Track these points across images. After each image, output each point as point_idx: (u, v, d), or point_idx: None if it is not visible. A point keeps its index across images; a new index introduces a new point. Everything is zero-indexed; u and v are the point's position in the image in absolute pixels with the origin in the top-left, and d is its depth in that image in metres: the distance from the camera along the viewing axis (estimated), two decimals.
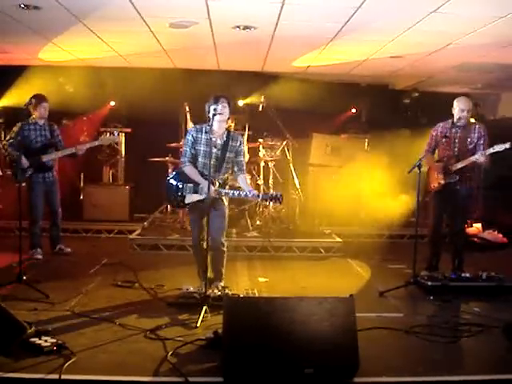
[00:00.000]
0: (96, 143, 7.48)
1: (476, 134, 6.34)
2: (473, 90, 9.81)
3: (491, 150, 6.05)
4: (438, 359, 4.10)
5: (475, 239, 8.81)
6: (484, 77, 8.88)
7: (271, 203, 5.37)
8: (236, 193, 5.43)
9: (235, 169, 5.55)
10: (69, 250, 7.53)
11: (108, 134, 10.12)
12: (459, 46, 6.81)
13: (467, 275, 6.08)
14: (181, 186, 5.49)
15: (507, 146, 5.91)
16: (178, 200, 5.54)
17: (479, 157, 6.09)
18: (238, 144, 5.49)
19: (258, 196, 5.40)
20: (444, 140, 6.39)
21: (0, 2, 5.61)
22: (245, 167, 5.60)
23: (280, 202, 5.31)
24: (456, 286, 5.88)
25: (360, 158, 10.01)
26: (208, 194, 5.11)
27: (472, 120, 6.61)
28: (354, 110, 10.73)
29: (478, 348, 4.38)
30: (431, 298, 5.69)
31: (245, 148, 5.59)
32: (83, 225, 9.28)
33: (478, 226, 9.27)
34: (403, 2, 5.29)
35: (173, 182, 5.57)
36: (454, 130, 6.38)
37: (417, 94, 10.41)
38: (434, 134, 6.56)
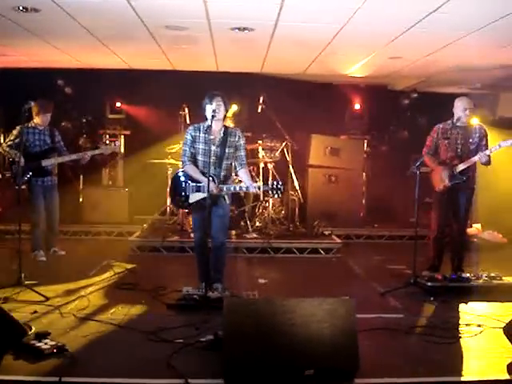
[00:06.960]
0: (97, 152, 7.45)
1: (477, 135, 6.29)
2: (472, 91, 9.80)
3: (497, 148, 5.99)
4: (438, 360, 4.09)
5: (475, 239, 8.82)
6: (483, 77, 8.87)
7: (274, 194, 5.31)
8: (237, 187, 5.48)
9: (236, 163, 5.55)
10: (63, 252, 7.49)
11: (107, 135, 10.13)
12: (458, 46, 6.80)
13: (467, 275, 6.08)
14: (184, 186, 5.50)
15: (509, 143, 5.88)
16: (182, 200, 5.55)
17: (481, 157, 6.06)
18: (236, 139, 5.50)
19: (259, 188, 5.41)
20: (446, 142, 6.35)
21: None
22: (245, 161, 5.59)
23: (281, 192, 5.30)
24: (456, 287, 5.88)
25: (359, 158, 10.02)
26: (208, 192, 5.11)
27: (473, 120, 6.59)
28: (358, 107, 10.68)
29: (478, 348, 4.37)
30: (431, 298, 5.69)
31: (243, 142, 5.57)
32: (83, 227, 9.27)
33: (477, 226, 9.28)
34: (403, 3, 5.28)
35: (176, 183, 5.59)
36: (454, 131, 6.32)
37: (416, 95, 10.40)
38: (435, 135, 6.45)
